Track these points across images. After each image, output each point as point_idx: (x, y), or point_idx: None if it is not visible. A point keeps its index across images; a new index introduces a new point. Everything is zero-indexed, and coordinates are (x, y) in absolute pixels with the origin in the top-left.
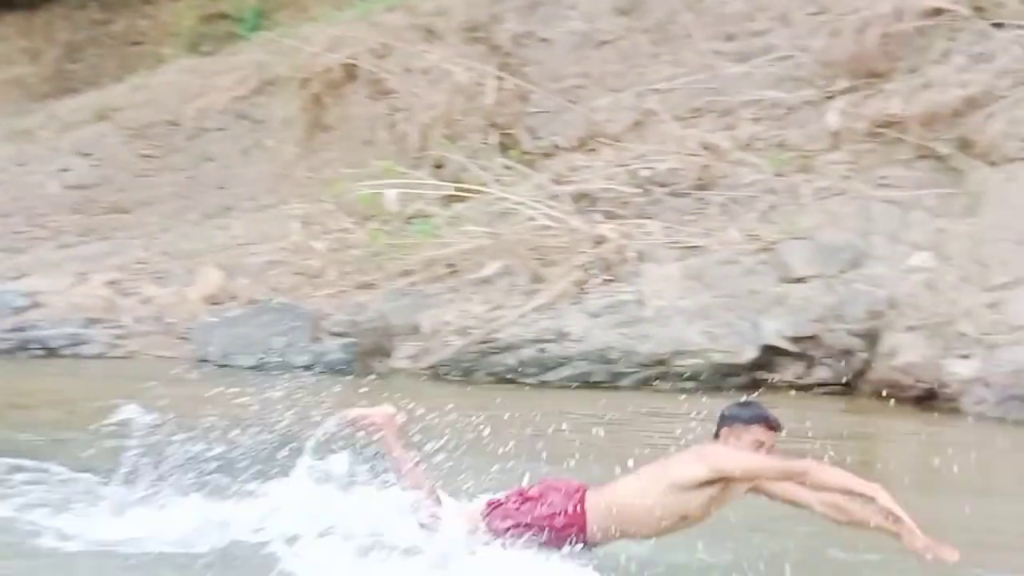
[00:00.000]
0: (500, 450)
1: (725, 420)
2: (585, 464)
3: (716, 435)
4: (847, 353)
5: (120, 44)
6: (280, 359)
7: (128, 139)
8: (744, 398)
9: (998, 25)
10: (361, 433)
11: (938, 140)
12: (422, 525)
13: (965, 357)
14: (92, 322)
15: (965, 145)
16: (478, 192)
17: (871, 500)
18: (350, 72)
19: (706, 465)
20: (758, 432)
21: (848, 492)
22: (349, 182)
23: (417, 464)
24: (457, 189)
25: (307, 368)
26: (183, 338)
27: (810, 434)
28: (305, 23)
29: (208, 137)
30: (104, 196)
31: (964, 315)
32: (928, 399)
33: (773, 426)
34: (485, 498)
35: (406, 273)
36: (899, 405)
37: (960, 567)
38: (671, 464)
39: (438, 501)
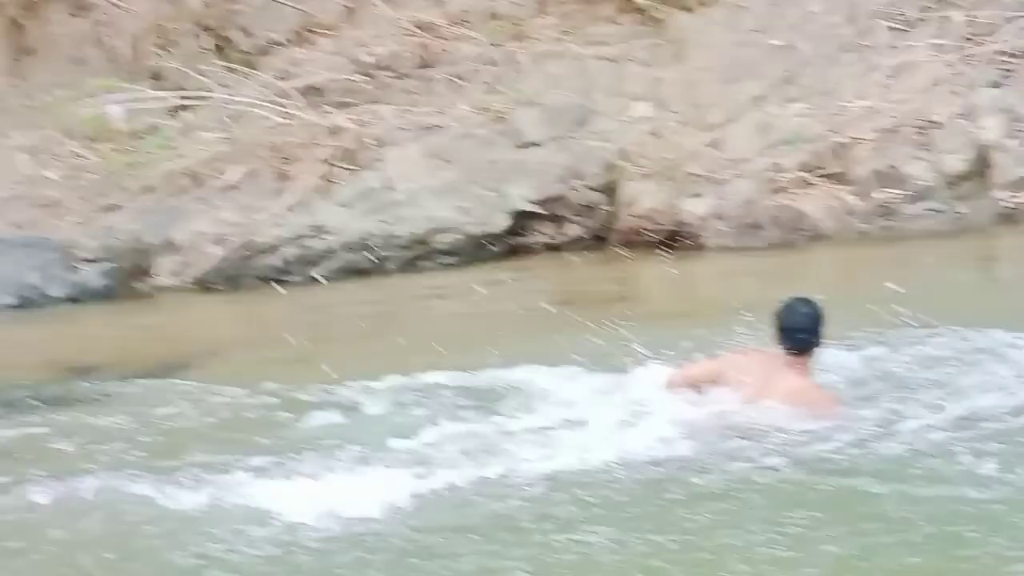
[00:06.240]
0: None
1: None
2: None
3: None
4: (591, 208)
5: None
6: (40, 294)
7: None
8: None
9: None
10: None
11: None
12: None
13: (697, 196)
14: None
15: None
16: (204, 98)
17: None
18: None
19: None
20: None
21: None
22: (68, 105)
23: None
24: (182, 98)
25: (72, 300)
26: None
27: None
28: None
29: None
30: None
31: (689, 157)
32: (672, 239)
33: None
34: None
35: (148, 189)
36: (648, 249)
37: None
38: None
39: None
